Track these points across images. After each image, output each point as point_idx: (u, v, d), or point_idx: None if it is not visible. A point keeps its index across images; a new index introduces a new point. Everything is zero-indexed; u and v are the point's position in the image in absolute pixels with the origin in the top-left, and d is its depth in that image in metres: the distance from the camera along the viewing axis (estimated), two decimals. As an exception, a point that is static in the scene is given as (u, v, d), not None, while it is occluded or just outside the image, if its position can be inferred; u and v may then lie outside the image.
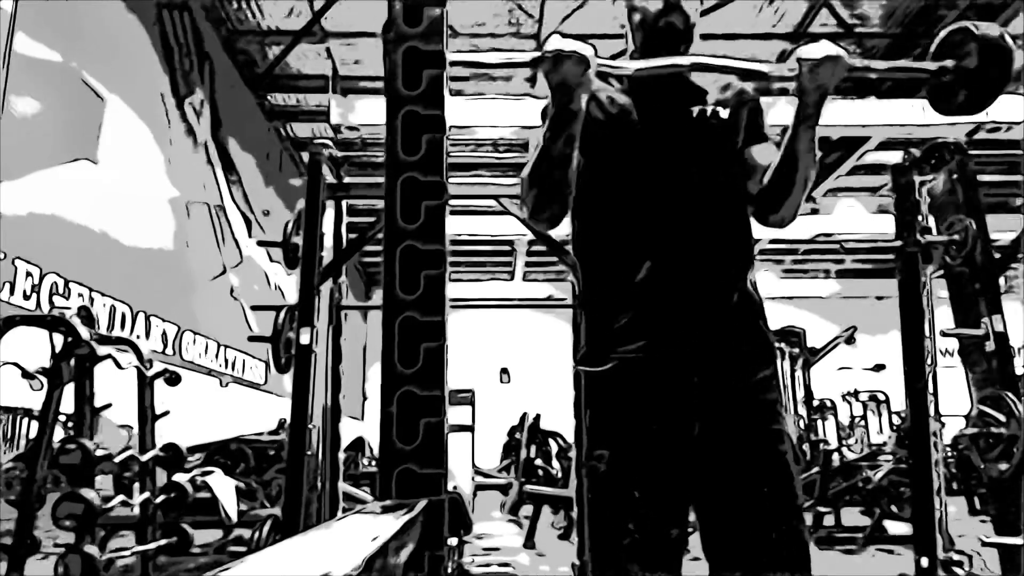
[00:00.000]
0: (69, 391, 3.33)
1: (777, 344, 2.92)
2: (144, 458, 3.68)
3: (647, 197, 1.63)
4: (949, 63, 1.59)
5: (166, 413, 3.89)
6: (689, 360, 1.55)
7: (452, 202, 1.59)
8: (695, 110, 1.67)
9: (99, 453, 3.16)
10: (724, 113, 1.67)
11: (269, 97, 8.96)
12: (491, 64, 1.77)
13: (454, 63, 1.59)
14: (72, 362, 3.28)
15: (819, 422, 8.50)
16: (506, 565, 4.99)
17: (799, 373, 7.91)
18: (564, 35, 1.53)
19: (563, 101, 1.53)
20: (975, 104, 1.60)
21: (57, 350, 3.26)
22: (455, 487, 5.26)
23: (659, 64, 1.59)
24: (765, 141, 1.69)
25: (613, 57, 1.69)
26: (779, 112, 3.10)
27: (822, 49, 1.48)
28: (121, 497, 3.39)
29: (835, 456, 6.53)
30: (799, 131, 1.54)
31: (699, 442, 1.54)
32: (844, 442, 8.58)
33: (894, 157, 3.94)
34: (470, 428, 6.28)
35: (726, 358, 1.56)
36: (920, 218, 3.65)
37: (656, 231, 1.61)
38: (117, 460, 3.34)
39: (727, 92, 1.72)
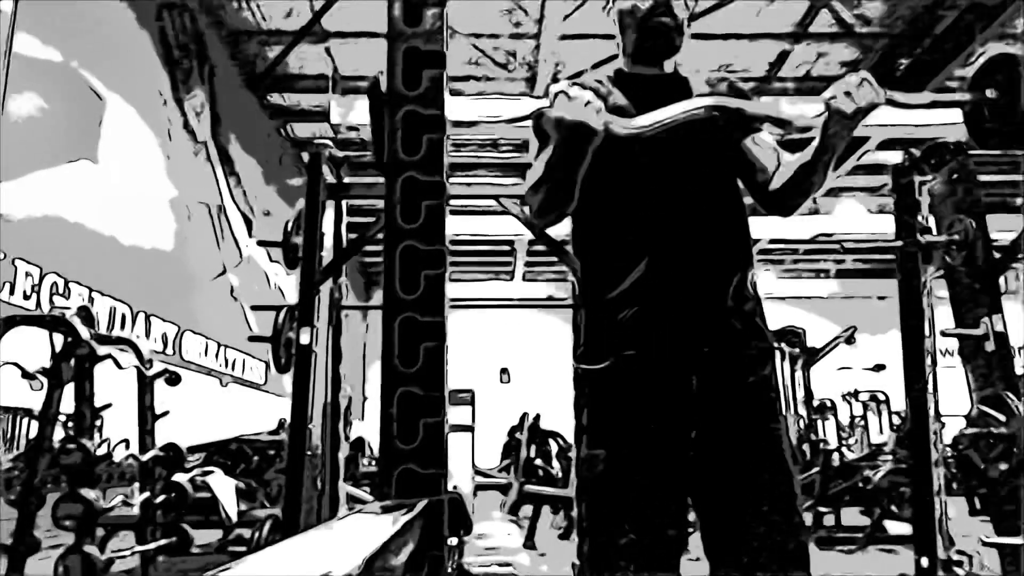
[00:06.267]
0: (69, 391, 3.33)
1: (777, 344, 2.93)
2: (144, 458, 3.68)
3: (646, 195, 1.63)
4: (991, 93, 1.48)
5: (166, 413, 3.88)
6: (687, 359, 1.55)
7: (452, 202, 1.59)
8: None
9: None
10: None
11: (269, 97, 8.95)
12: (497, 121, 1.76)
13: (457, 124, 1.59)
14: (72, 362, 3.28)
15: (819, 422, 8.49)
16: (506, 565, 4.99)
17: (799, 373, 7.90)
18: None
19: (578, 142, 1.49)
20: (1014, 138, 1.48)
21: (57, 350, 3.26)
22: (455, 487, 5.26)
23: (679, 111, 1.52)
24: (758, 132, 1.70)
25: (605, 62, 1.69)
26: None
27: (851, 103, 1.44)
28: (121, 497, 3.39)
29: (835, 456, 6.53)
30: (819, 158, 1.55)
31: (697, 441, 1.54)
32: (844, 442, 8.58)
33: (894, 157, 3.94)
34: (470, 428, 6.28)
35: (724, 357, 1.56)
36: (920, 218, 3.65)
37: (655, 229, 1.61)
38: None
39: (718, 86, 1.74)
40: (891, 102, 1.44)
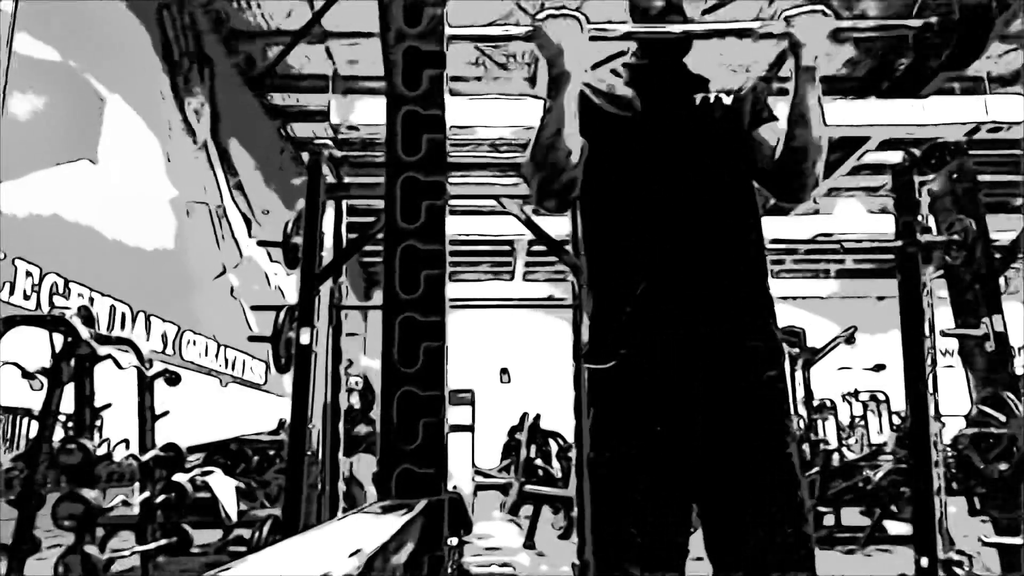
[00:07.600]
0: (69, 391, 3.33)
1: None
2: (144, 458, 3.68)
3: (652, 191, 1.61)
4: (933, 19, 1.69)
5: (166, 413, 3.88)
6: (695, 358, 1.53)
7: (452, 202, 1.59)
8: (698, 98, 1.65)
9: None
10: (727, 100, 1.66)
11: (269, 97, 8.95)
12: (491, 37, 1.84)
13: (453, 38, 1.61)
14: (72, 362, 3.27)
15: (819, 422, 8.50)
16: (506, 565, 4.99)
17: (799, 373, 7.91)
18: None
19: (559, 62, 1.55)
20: (959, 60, 1.72)
21: (57, 350, 3.26)
22: (455, 487, 5.26)
23: (652, 29, 1.65)
24: (772, 120, 1.67)
25: (611, 58, 1.69)
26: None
27: (806, 7, 1.56)
28: (121, 497, 3.39)
29: (835, 456, 6.53)
30: (801, 89, 1.55)
31: (703, 442, 1.52)
32: (844, 442, 8.58)
33: (894, 157, 3.94)
34: (470, 428, 6.29)
35: (732, 357, 1.54)
36: (920, 218, 3.65)
37: (662, 225, 1.59)
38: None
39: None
40: (839, 26, 1.58)
